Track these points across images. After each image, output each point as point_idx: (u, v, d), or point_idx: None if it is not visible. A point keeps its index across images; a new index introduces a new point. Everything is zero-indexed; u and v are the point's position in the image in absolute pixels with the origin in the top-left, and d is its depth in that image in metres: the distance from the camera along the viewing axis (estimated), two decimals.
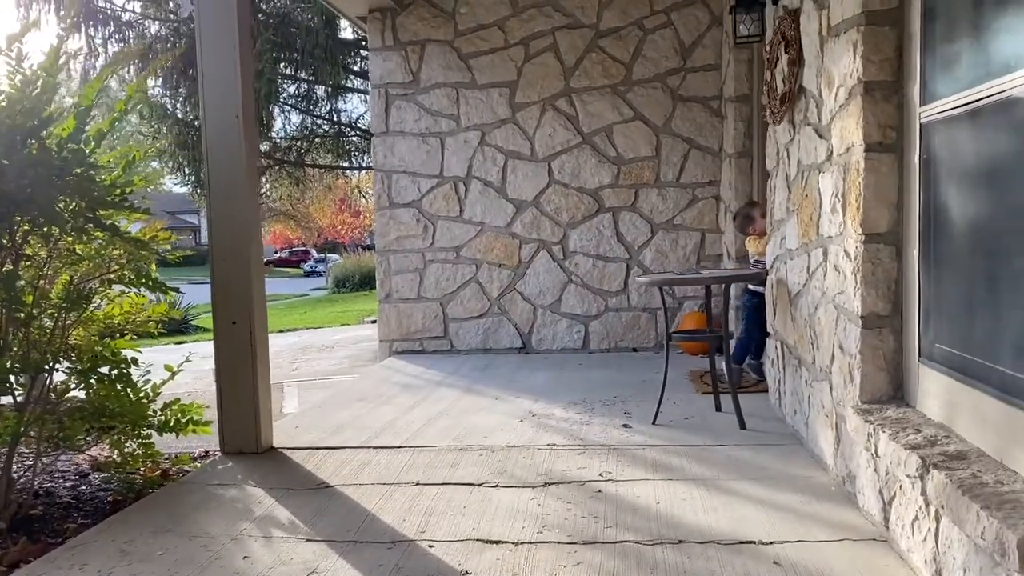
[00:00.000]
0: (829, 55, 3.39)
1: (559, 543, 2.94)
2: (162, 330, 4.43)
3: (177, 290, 3.94)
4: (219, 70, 4.00)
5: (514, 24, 6.97)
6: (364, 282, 24.30)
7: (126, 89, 4.38)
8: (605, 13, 6.88)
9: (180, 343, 11.24)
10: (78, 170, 3.40)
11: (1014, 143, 2.27)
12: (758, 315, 5.35)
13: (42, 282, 3.69)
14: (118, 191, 3.57)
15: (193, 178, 14.37)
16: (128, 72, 11.68)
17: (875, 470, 2.88)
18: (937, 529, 2.34)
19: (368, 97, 14.71)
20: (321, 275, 33.49)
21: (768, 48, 4.45)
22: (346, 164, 16.71)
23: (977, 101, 2.40)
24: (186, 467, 4.34)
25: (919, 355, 2.87)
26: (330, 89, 14.09)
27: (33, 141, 3.31)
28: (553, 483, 3.59)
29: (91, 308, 3.88)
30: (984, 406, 2.38)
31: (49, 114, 3.38)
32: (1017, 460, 2.18)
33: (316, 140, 15.40)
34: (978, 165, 2.49)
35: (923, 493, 2.33)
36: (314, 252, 43.39)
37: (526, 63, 6.98)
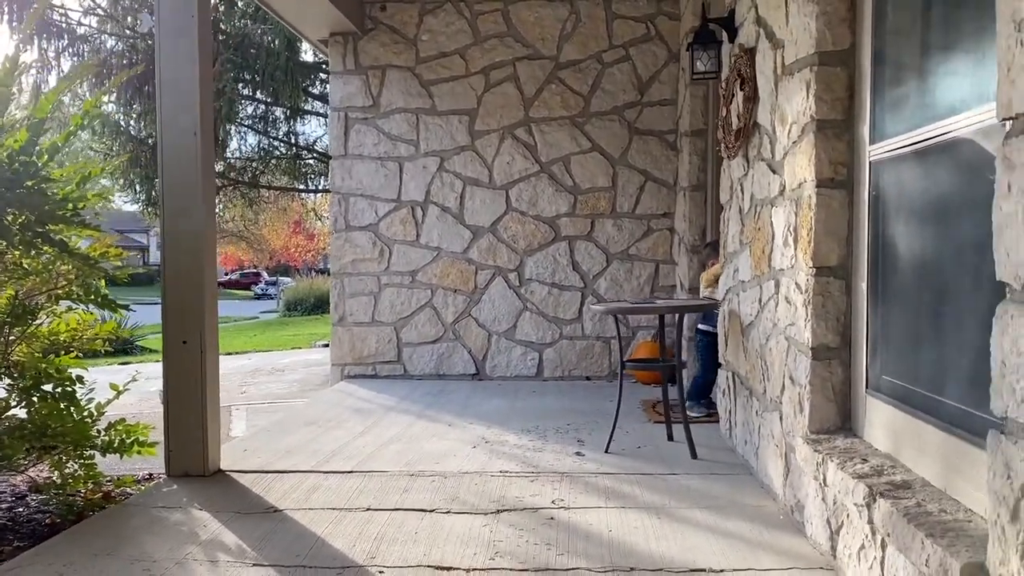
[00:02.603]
0: (783, 93, 3.49)
1: (511, 570, 2.93)
2: (109, 348, 4.33)
3: (127, 307, 3.85)
4: (178, 86, 3.96)
5: (475, 53, 7.04)
6: (317, 306, 24.01)
7: (81, 105, 4.31)
8: (565, 46, 6.99)
9: (125, 363, 10.98)
10: (29, 183, 3.34)
11: (957, 182, 2.36)
12: (709, 353, 5.40)
13: None
14: (70, 206, 3.50)
15: (144, 196, 14.16)
16: (81, 87, 11.50)
17: (823, 499, 2.93)
18: (883, 557, 2.38)
19: (325, 120, 14.82)
20: (272, 298, 33.05)
21: (724, 85, 4.56)
22: (302, 187, 16.62)
23: (923, 141, 2.49)
24: (129, 489, 4.22)
25: (866, 386, 2.94)
26: (289, 111, 14.05)
27: None
28: (506, 510, 3.57)
29: (36, 324, 3.79)
30: (928, 436, 2.44)
31: (1, 125, 3.31)
32: (959, 489, 2.24)
33: (272, 162, 15.30)
34: (923, 203, 2.58)
35: (870, 522, 2.37)
36: (265, 274, 42.83)
37: (486, 92, 7.04)
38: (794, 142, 3.33)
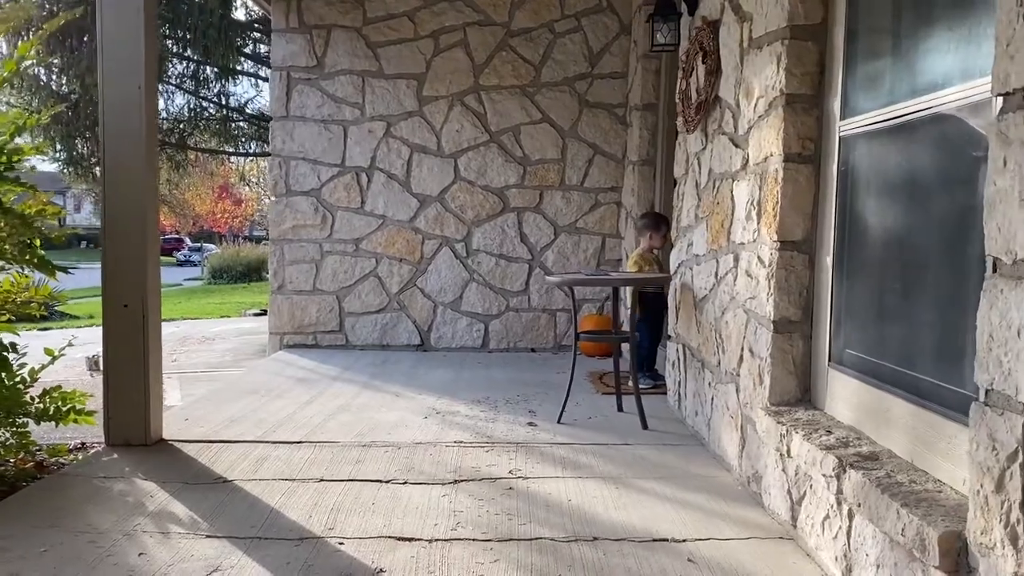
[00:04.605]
0: (750, 67, 3.49)
1: (474, 540, 2.89)
2: (44, 312, 4.10)
3: (65, 270, 3.65)
4: (122, 36, 3.74)
5: (425, 16, 6.88)
6: (244, 274, 23.47)
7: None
8: (517, 13, 6.89)
9: (46, 328, 10.51)
10: None
11: (935, 159, 2.39)
12: (646, 325, 5.43)
13: None
14: (4, 158, 3.28)
15: (65, 155, 13.50)
16: None
17: (783, 470, 2.97)
18: (850, 527, 2.42)
19: (258, 81, 14.37)
20: (196, 265, 32.16)
21: (684, 58, 4.55)
22: (232, 150, 16.09)
23: (899, 117, 2.51)
24: (63, 460, 4.04)
25: (829, 359, 2.98)
26: (220, 71, 13.53)
27: None
28: (463, 480, 3.53)
29: None
30: (894, 409, 2.49)
31: None
32: (926, 460, 2.28)
33: (201, 123, 14.76)
34: (896, 179, 2.61)
35: (838, 492, 2.41)
36: (188, 240, 41.58)
37: (435, 56, 6.90)
38: (760, 116, 3.33)
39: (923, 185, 2.45)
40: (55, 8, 11.50)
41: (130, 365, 3.90)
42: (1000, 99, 1.73)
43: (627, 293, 5.38)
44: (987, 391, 1.75)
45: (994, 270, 1.74)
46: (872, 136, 2.72)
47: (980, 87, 2.02)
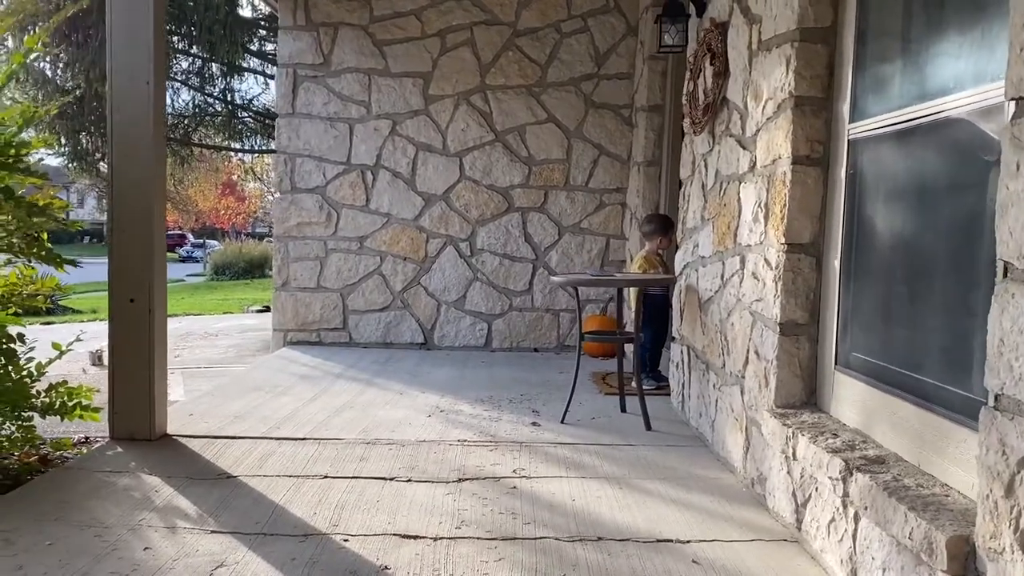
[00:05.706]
0: (758, 69, 3.49)
1: (478, 539, 2.89)
2: (50, 305, 4.10)
3: (73, 263, 3.65)
4: (131, 32, 3.74)
5: (431, 15, 6.88)
6: (247, 270, 23.50)
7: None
8: (524, 12, 6.89)
9: (48, 323, 10.51)
10: None
11: (944, 163, 2.39)
12: (648, 327, 5.42)
13: None
14: (12, 151, 3.28)
15: (69, 150, 13.51)
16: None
17: (789, 472, 2.97)
18: (856, 530, 2.42)
19: (263, 78, 14.38)
20: (198, 261, 32.20)
21: (692, 59, 4.55)
22: (237, 146, 16.11)
23: (909, 121, 2.51)
24: (67, 453, 4.04)
25: (835, 362, 2.98)
26: (226, 67, 13.55)
27: None
28: (467, 479, 3.53)
29: None
30: (901, 412, 2.49)
31: None
32: (934, 464, 2.28)
33: (206, 119, 14.77)
34: (904, 183, 2.61)
35: (844, 495, 2.41)
36: (191, 236, 41.61)
37: (442, 55, 6.90)
38: (769, 118, 3.33)
39: (932, 189, 2.45)
40: (60, 1, 11.52)
41: (136, 359, 3.90)
42: (1013, 103, 1.73)
43: (630, 294, 5.38)
44: (997, 396, 1.75)
45: (1005, 274, 1.74)
46: (881, 139, 2.72)
47: (992, 91, 2.03)
